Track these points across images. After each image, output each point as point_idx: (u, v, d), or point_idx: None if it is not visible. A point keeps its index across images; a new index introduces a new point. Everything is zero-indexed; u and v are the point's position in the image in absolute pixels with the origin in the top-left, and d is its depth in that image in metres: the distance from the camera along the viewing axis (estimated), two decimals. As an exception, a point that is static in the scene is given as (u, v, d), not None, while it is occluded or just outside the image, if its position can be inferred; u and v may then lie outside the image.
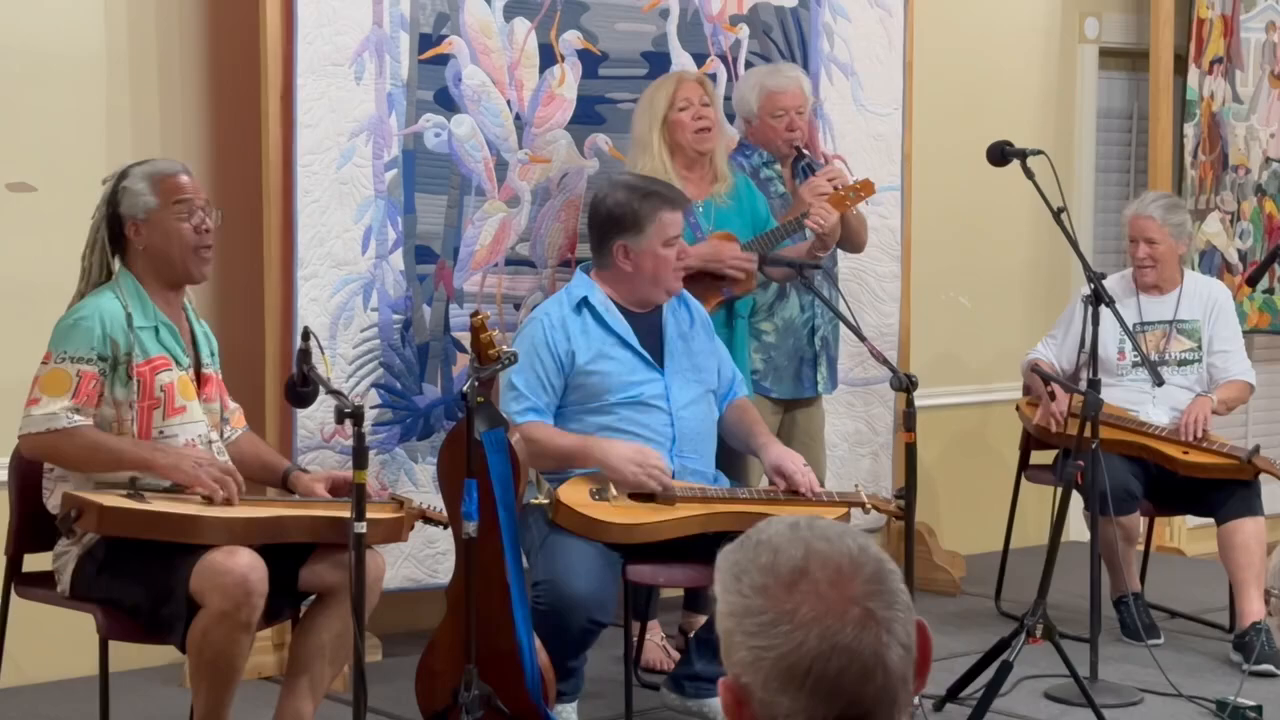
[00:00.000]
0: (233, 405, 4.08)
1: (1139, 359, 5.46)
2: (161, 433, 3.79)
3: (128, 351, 3.75)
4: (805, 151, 5.28)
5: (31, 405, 3.74)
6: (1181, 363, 5.64)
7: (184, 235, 3.84)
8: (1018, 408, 5.82)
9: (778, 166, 5.36)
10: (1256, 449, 5.46)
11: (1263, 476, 5.46)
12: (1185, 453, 5.43)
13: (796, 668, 1.53)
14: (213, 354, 4.00)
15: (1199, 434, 5.46)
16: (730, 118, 5.46)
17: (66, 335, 3.75)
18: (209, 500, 3.72)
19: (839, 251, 5.56)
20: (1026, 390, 5.85)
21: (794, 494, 4.44)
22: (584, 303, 4.47)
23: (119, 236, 3.83)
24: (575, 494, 4.29)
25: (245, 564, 3.60)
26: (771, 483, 4.52)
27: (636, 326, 4.51)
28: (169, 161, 4.02)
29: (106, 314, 3.75)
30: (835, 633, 1.53)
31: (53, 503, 3.80)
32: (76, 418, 3.70)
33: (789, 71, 5.42)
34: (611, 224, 4.45)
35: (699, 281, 4.84)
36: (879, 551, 1.60)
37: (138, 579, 3.69)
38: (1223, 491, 5.43)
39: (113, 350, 3.74)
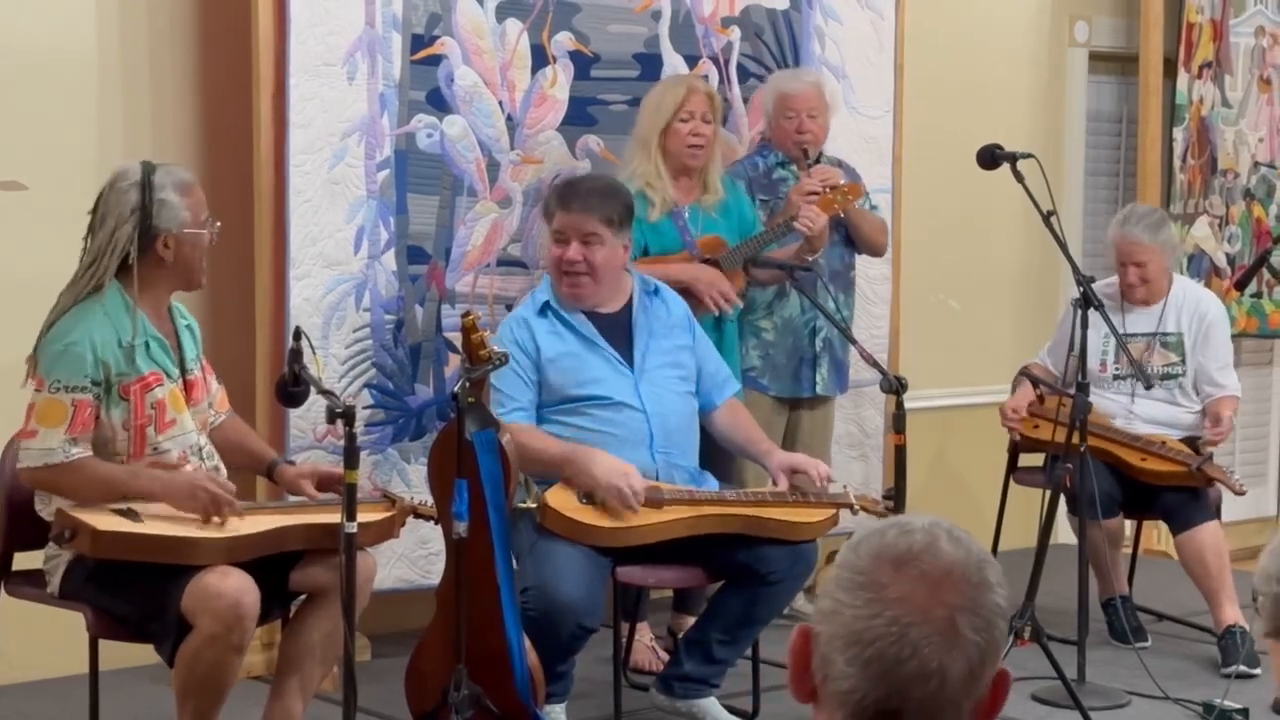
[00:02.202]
0: (214, 388, 4.04)
1: (1120, 372, 5.48)
2: (155, 448, 3.78)
3: (119, 373, 3.72)
4: (811, 153, 5.28)
5: (29, 438, 3.71)
6: (1165, 377, 5.62)
7: (205, 249, 3.83)
8: (1001, 410, 5.83)
9: (793, 167, 5.38)
10: (1209, 457, 5.45)
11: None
12: (1143, 459, 5.44)
13: (861, 636, 1.55)
14: (196, 350, 3.96)
15: (1222, 433, 5.49)
16: (723, 119, 5.48)
17: (57, 363, 3.69)
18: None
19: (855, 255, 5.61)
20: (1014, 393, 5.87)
21: (782, 494, 4.45)
22: (546, 306, 4.49)
23: (144, 247, 3.75)
24: (563, 498, 4.29)
25: (237, 587, 3.59)
26: (777, 482, 4.51)
27: (602, 326, 4.51)
28: (182, 168, 3.95)
29: (97, 337, 3.70)
30: (911, 624, 1.54)
31: (46, 511, 3.77)
32: (74, 450, 3.68)
33: (806, 76, 5.50)
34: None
35: (684, 296, 4.87)
36: (999, 582, 1.59)
37: (128, 592, 3.68)
38: (1170, 502, 5.44)
39: (105, 373, 3.71)
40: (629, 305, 4.56)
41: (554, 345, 4.45)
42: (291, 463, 4.16)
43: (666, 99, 5.07)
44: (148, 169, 3.79)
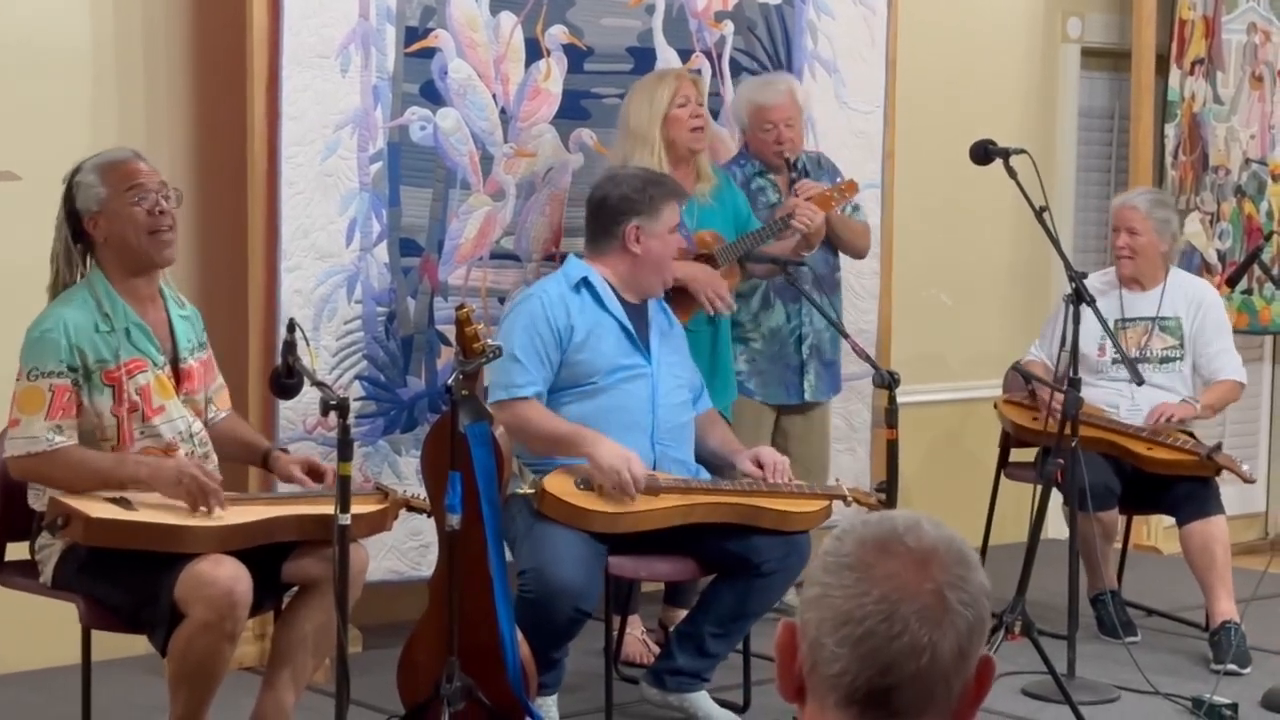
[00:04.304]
0: (217, 384, 4.05)
1: (1119, 357, 5.48)
2: (143, 433, 3.78)
3: (99, 360, 3.72)
4: (795, 161, 5.27)
5: (12, 427, 3.72)
6: (1163, 360, 5.64)
7: (138, 219, 3.78)
8: (995, 405, 5.85)
9: (771, 176, 5.38)
10: (1218, 446, 5.46)
11: (1226, 475, 5.47)
12: (1149, 449, 5.45)
13: (852, 615, 1.55)
14: (199, 343, 3.98)
15: (1161, 425, 5.44)
16: (714, 114, 5.48)
17: (33, 350, 3.71)
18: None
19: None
20: (1006, 388, 5.88)
21: (776, 486, 4.46)
22: (584, 283, 4.51)
23: (81, 234, 3.80)
24: (560, 483, 4.30)
25: (230, 575, 3.59)
26: (745, 470, 4.52)
27: (629, 315, 4.54)
28: (119, 149, 3.99)
29: (71, 323, 3.71)
30: (900, 600, 1.55)
31: (40, 504, 3.77)
32: (58, 438, 3.68)
33: (778, 84, 5.43)
34: (626, 206, 4.49)
35: (678, 293, 4.87)
36: (979, 565, 1.61)
37: (120, 582, 3.68)
38: (1181, 492, 5.44)
39: (81, 360, 3.71)
40: (646, 301, 4.60)
41: (585, 327, 4.46)
42: (285, 450, 4.16)
43: (660, 91, 5.06)
44: (82, 161, 3.85)
